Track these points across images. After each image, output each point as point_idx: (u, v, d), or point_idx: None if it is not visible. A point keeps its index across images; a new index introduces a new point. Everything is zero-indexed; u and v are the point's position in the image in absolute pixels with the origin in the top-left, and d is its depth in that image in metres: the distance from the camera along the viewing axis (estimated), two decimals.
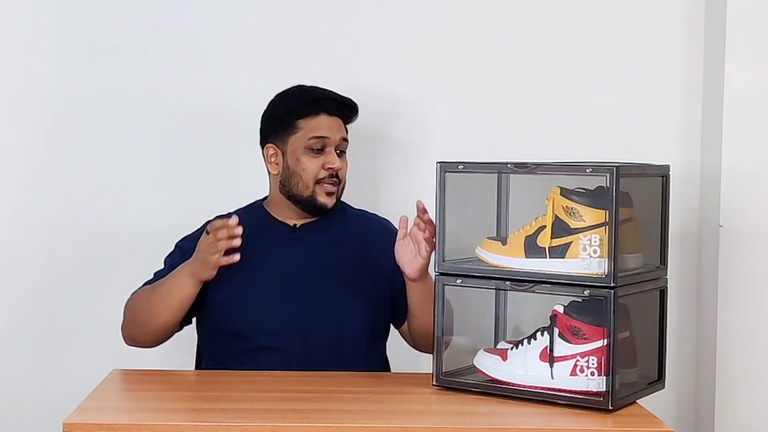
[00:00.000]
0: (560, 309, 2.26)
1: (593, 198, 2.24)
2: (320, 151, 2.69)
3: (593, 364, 2.22)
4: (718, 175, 3.05)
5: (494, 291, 2.49)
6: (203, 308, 2.66)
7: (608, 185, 2.19)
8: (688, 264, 3.19)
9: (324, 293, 2.66)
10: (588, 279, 2.22)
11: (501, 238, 2.40)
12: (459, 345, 2.44)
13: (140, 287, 2.68)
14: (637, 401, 2.29)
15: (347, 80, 3.00)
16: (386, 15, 3.18)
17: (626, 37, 3.19)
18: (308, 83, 2.78)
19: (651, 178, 2.40)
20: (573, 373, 2.24)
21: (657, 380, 2.39)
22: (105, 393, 2.33)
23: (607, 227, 2.21)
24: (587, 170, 2.23)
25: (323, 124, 2.70)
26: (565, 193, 2.27)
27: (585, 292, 2.23)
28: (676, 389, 3.17)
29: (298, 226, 2.73)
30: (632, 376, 2.32)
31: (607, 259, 2.20)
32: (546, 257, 2.28)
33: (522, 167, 2.33)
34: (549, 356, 2.26)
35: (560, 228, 2.27)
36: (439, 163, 2.37)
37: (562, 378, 2.25)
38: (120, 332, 2.67)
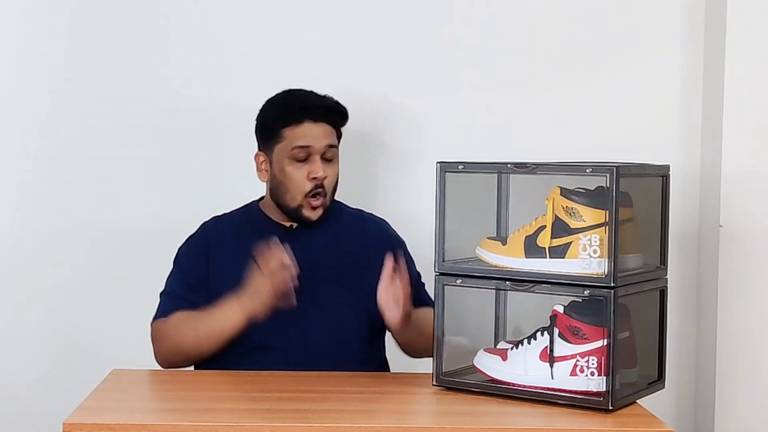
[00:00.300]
0: (560, 309, 2.27)
1: (593, 198, 2.24)
2: (305, 160, 2.67)
3: (593, 364, 2.22)
4: (718, 175, 3.05)
5: (494, 291, 2.49)
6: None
7: (608, 185, 2.19)
8: (688, 264, 3.19)
9: (321, 293, 2.66)
10: (588, 279, 2.22)
11: (501, 238, 2.40)
12: (459, 345, 2.44)
13: (164, 315, 2.64)
14: (637, 401, 2.29)
15: (344, 82, 3.01)
16: (385, 16, 3.18)
17: (626, 37, 3.19)
18: (306, 85, 2.76)
19: (651, 178, 2.40)
20: (573, 373, 2.24)
21: (657, 380, 2.39)
22: (105, 393, 2.33)
23: (607, 227, 2.21)
24: (587, 170, 2.23)
25: (307, 133, 2.67)
26: (565, 193, 2.27)
27: (585, 292, 2.23)
28: (676, 389, 3.17)
29: (294, 227, 2.73)
30: (632, 376, 2.32)
31: (607, 259, 2.20)
32: (546, 257, 2.28)
33: (522, 167, 2.33)
34: (549, 356, 2.26)
35: (560, 228, 2.27)
36: (439, 163, 2.37)
37: (562, 378, 2.25)
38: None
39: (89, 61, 3.16)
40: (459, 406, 2.26)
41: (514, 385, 2.29)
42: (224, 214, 2.79)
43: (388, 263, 2.49)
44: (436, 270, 2.37)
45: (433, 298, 2.42)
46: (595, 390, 2.21)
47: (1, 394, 3.17)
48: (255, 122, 2.77)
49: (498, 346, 2.44)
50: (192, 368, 2.76)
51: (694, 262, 3.19)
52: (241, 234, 2.72)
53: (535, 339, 2.30)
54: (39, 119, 3.17)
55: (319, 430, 2.09)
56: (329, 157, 2.70)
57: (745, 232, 3.04)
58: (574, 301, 2.27)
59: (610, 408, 2.19)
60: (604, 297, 2.20)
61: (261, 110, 2.76)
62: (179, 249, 2.75)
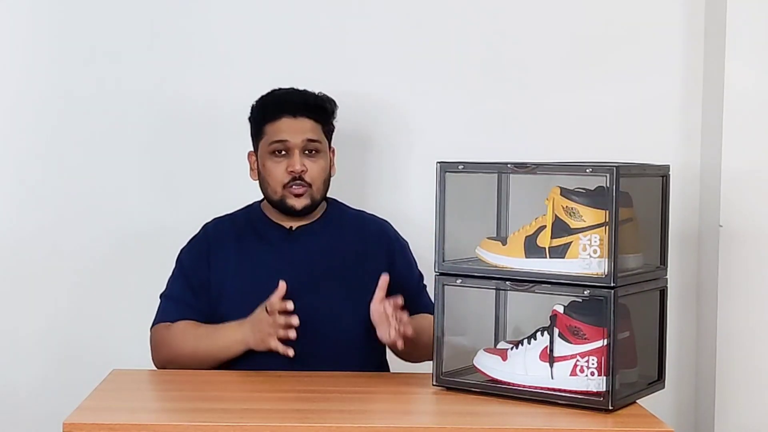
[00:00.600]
0: (560, 309, 2.26)
1: (593, 198, 2.24)
2: (284, 154, 2.68)
3: (593, 364, 2.22)
4: (718, 175, 3.05)
5: (494, 291, 2.49)
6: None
7: (608, 185, 2.19)
8: (688, 264, 3.18)
9: (321, 294, 2.65)
10: (588, 279, 2.22)
11: (501, 238, 2.40)
12: (459, 345, 2.44)
13: (165, 320, 2.65)
14: (637, 401, 2.29)
15: (340, 81, 3.01)
16: (382, 15, 3.18)
17: (626, 37, 3.19)
18: (300, 84, 2.76)
19: (651, 178, 2.40)
20: (573, 373, 2.24)
21: (657, 380, 2.39)
22: (105, 393, 2.33)
23: (607, 227, 2.21)
24: (587, 170, 2.23)
25: (284, 128, 2.68)
26: (565, 193, 2.27)
27: (585, 292, 2.23)
28: (676, 389, 3.17)
29: (294, 228, 2.73)
30: (632, 376, 2.32)
31: (607, 259, 2.20)
32: (546, 257, 2.28)
33: (522, 167, 2.33)
34: (549, 356, 2.26)
35: (560, 228, 2.27)
36: (439, 163, 2.37)
37: (562, 378, 2.25)
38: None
39: (88, 62, 3.16)
40: (459, 406, 2.26)
41: (514, 385, 2.29)
42: (226, 215, 2.79)
43: (383, 280, 2.51)
44: (436, 270, 2.37)
45: (433, 298, 2.42)
46: (595, 390, 2.21)
47: (1, 395, 3.17)
48: None
49: (498, 346, 2.44)
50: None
51: (694, 262, 3.19)
52: (242, 235, 2.72)
53: (535, 339, 2.30)
54: (38, 123, 3.17)
55: (319, 430, 2.09)
56: (311, 151, 2.69)
57: (745, 232, 3.04)
58: (574, 301, 2.27)
59: (610, 408, 2.19)
60: (604, 297, 2.20)
61: (250, 110, 2.77)
62: (181, 250, 2.75)
